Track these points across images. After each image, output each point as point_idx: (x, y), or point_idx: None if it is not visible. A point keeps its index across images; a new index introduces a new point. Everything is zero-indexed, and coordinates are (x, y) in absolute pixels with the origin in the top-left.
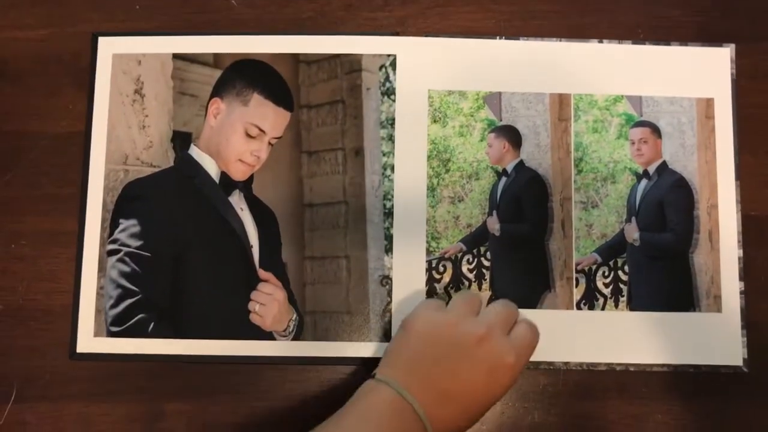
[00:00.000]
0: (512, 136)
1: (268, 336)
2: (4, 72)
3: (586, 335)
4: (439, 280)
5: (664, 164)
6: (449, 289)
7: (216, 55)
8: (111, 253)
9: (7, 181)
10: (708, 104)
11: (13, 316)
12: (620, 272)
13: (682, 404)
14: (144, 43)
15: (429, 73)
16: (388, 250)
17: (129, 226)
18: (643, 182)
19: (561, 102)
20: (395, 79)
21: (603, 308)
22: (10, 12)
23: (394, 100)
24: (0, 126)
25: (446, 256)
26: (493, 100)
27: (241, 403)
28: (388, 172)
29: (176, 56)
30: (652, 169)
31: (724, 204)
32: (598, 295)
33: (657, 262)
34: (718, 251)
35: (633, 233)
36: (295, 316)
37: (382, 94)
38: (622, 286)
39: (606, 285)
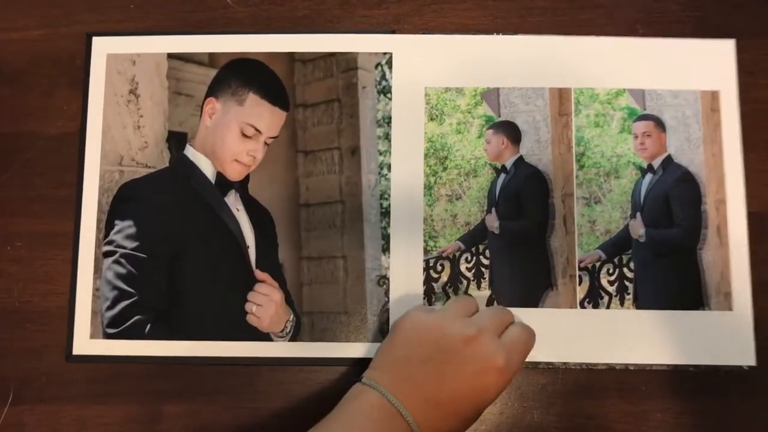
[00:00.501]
0: (511, 131)
1: (265, 337)
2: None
3: (590, 335)
4: (436, 280)
5: (669, 158)
6: (447, 288)
7: (211, 55)
8: (107, 254)
9: (2, 182)
10: (713, 97)
11: (9, 318)
12: (625, 269)
13: (683, 402)
14: (139, 42)
15: (425, 70)
16: (385, 249)
17: (124, 227)
18: (648, 177)
19: (561, 96)
20: (391, 77)
21: (608, 306)
22: (4, 13)
23: (390, 99)
24: None
25: (444, 255)
26: (491, 96)
27: (238, 405)
28: (385, 171)
29: (171, 56)
30: (656, 163)
31: (732, 199)
32: (603, 293)
33: (663, 259)
34: (728, 246)
35: (638, 229)
36: (292, 316)
37: (379, 92)
38: (627, 283)
39: (611, 283)
